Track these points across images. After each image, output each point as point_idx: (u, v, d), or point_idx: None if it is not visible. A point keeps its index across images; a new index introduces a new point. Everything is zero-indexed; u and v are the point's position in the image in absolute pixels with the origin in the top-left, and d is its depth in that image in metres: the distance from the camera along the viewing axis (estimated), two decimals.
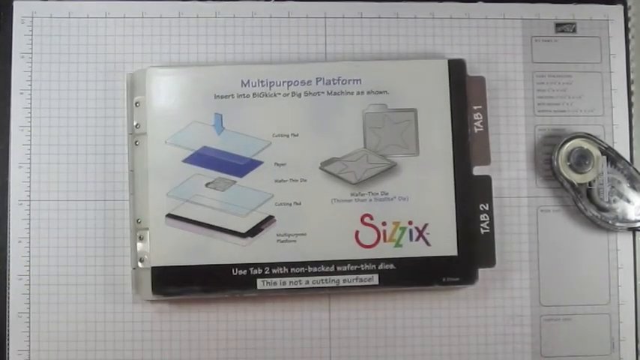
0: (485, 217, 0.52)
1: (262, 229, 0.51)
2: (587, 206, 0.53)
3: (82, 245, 0.52)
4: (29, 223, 0.52)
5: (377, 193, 0.51)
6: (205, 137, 0.51)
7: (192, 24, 0.54)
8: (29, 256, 0.52)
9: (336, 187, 0.51)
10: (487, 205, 0.52)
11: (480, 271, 0.52)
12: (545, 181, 0.54)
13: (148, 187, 0.50)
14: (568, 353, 0.54)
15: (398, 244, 0.51)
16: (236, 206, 0.51)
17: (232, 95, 0.51)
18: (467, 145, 0.52)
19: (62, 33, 0.53)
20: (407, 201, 0.51)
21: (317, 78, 0.52)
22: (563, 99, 0.55)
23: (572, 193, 0.53)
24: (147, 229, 0.51)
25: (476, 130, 0.53)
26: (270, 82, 0.52)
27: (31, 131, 0.52)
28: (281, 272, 0.50)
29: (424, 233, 0.51)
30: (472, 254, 0.51)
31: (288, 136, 0.51)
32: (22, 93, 0.53)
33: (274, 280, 0.50)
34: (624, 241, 0.54)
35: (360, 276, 0.51)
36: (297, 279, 0.50)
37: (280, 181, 0.51)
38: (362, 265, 0.51)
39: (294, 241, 0.51)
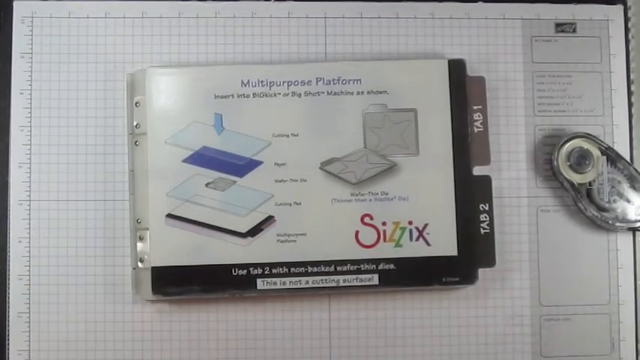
0: (485, 217, 0.52)
1: (262, 229, 0.51)
2: (587, 206, 0.53)
3: (82, 245, 0.52)
4: (29, 223, 0.52)
5: (377, 193, 0.51)
6: (205, 137, 0.51)
7: (192, 24, 0.54)
8: (29, 256, 0.52)
9: (336, 187, 0.51)
10: (487, 205, 0.52)
11: (480, 271, 0.52)
12: (545, 181, 0.54)
13: (148, 187, 0.50)
14: (568, 353, 0.54)
15: (398, 244, 0.51)
16: (236, 206, 0.51)
17: (232, 95, 0.51)
18: (467, 145, 0.52)
19: (62, 33, 0.53)
20: (407, 201, 0.51)
21: (317, 78, 0.52)
22: (563, 99, 0.55)
23: (572, 193, 0.53)
24: (147, 229, 0.51)
25: (476, 130, 0.53)
26: (270, 82, 0.52)
27: (31, 131, 0.52)
28: (281, 272, 0.50)
29: (424, 233, 0.51)
30: (472, 254, 0.51)
31: (288, 136, 0.51)
32: (22, 93, 0.53)
33: (274, 280, 0.50)
34: (624, 241, 0.54)
35: (360, 276, 0.51)
36: (297, 279, 0.50)
37: (280, 181, 0.51)
38: (362, 265, 0.51)
39: (294, 241, 0.51)
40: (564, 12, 0.56)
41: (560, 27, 0.55)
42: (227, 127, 0.51)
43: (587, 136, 0.53)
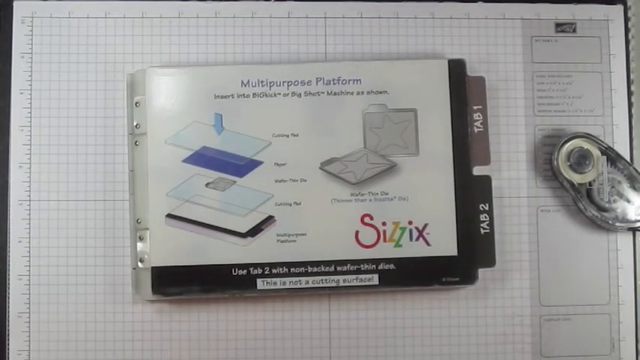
0: (486, 217, 0.52)
1: (262, 229, 0.51)
2: (587, 206, 0.53)
3: (82, 245, 0.52)
4: (29, 223, 0.52)
5: (377, 193, 0.51)
6: (205, 137, 0.51)
7: (192, 24, 0.54)
8: (29, 256, 0.52)
9: (336, 187, 0.51)
10: (487, 205, 0.52)
11: (480, 271, 0.52)
12: (545, 181, 0.54)
13: (148, 187, 0.50)
14: (568, 353, 0.54)
15: (398, 244, 0.51)
16: (236, 206, 0.51)
17: (232, 95, 0.51)
18: (467, 145, 0.52)
19: (62, 33, 0.53)
20: (407, 201, 0.51)
21: (317, 78, 0.52)
22: (563, 99, 0.55)
23: (572, 193, 0.53)
24: (147, 229, 0.51)
25: (476, 130, 0.53)
26: (270, 82, 0.52)
27: (31, 131, 0.52)
28: (281, 272, 0.50)
29: (424, 233, 0.51)
30: (472, 254, 0.51)
31: (288, 136, 0.51)
32: (22, 93, 0.53)
33: (274, 280, 0.50)
34: (624, 241, 0.54)
35: (360, 276, 0.51)
36: (297, 279, 0.50)
37: (280, 181, 0.51)
38: (362, 265, 0.51)
39: (294, 241, 0.51)
40: (564, 12, 0.56)
41: (560, 27, 0.55)
42: (227, 127, 0.51)
43: (587, 136, 0.53)
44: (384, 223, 0.51)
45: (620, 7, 0.56)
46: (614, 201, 0.53)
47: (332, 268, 0.51)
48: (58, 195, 0.52)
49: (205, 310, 0.52)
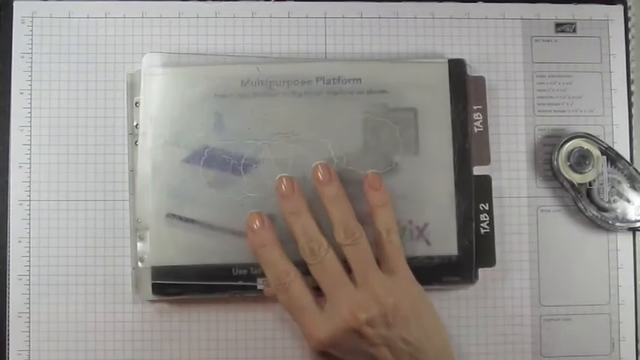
0: (486, 217, 0.52)
1: None
2: (587, 206, 0.53)
3: (82, 245, 0.52)
4: (29, 223, 0.52)
5: None
6: (205, 137, 0.51)
7: (192, 24, 0.54)
8: (29, 256, 0.52)
9: None
10: (487, 205, 0.53)
11: (480, 271, 0.52)
12: (545, 181, 0.54)
13: (148, 187, 0.50)
14: (568, 353, 0.54)
15: None
16: (236, 206, 0.50)
17: (232, 95, 0.51)
18: (467, 145, 0.52)
19: (62, 33, 0.53)
20: (407, 201, 0.51)
21: (317, 78, 0.52)
22: (563, 99, 0.55)
23: (572, 193, 0.53)
24: (147, 229, 0.50)
25: (476, 130, 0.53)
26: (270, 82, 0.52)
27: (31, 131, 0.52)
28: None
29: (424, 233, 0.51)
30: (472, 254, 0.51)
31: (288, 135, 0.51)
32: (22, 93, 0.53)
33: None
34: (624, 241, 0.54)
35: None
36: None
37: None
38: None
39: (295, 241, 0.50)
40: (564, 12, 0.56)
41: (560, 27, 0.55)
42: (227, 127, 0.51)
43: (587, 136, 0.53)
44: None
45: (620, 7, 0.56)
46: (614, 201, 0.53)
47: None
48: (58, 195, 0.52)
49: (205, 310, 0.52)
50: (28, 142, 0.52)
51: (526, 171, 0.54)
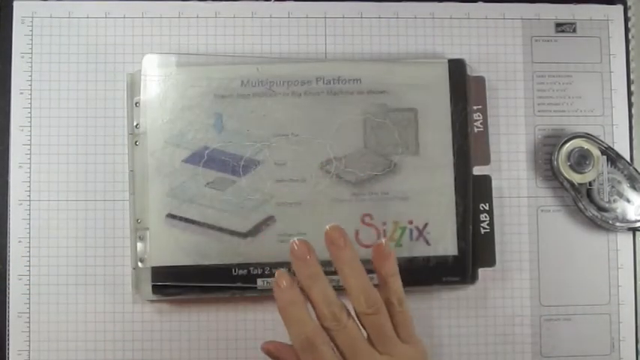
0: (486, 216, 0.52)
1: (262, 229, 0.51)
2: (587, 206, 0.53)
3: (82, 245, 0.52)
4: (29, 223, 0.52)
5: (377, 193, 0.51)
6: (205, 137, 0.51)
7: (192, 24, 0.54)
8: (29, 256, 0.52)
9: (336, 187, 0.51)
10: (487, 205, 0.53)
11: (480, 271, 0.52)
12: (545, 181, 0.54)
13: (148, 187, 0.50)
14: (568, 353, 0.54)
15: (398, 244, 0.51)
16: (236, 206, 0.51)
17: (232, 95, 0.51)
18: (467, 145, 0.52)
19: (62, 33, 0.53)
20: (407, 201, 0.51)
21: (317, 78, 0.52)
22: (563, 99, 0.55)
23: (572, 193, 0.53)
24: (147, 229, 0.51)
25: (476, 130, 0.53)
26: (270, 82, 0.52)
27: (31, 131, 0.52)
28: None
29: (424, 233, 0.51)
30: (472, 254, 0.51)
31: (288, 136, 0.51)
32: (22, 93, 0.53)
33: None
34: (624, 241, 0.54)
35: None
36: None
37: (280, 181, 0.51)
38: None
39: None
40: (564, 12, 0.56)
41: (560, 27, 0.55)
42: (227, 127, 0.51)
43: (587, 136, 0.53)
44: (384, 223, 0.51)
45: (620, 7, 0.56)
46: (614, 201, 0.53)
47: (332, 268, 0.50)
48: (58, 195, 0.52)
49: (205, 310, 0.52)
50: (28, 142, 0.52)
51: (526, 171, 0.54)
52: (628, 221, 0.53)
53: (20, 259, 0.52)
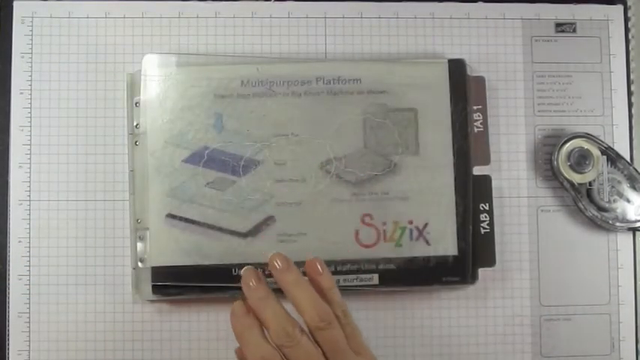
0: (486, 216, 0.52)
1: (262, 229, 0.51)
2: (587, 206, 0.53)
3: (82, 245, 0.52)
4: (29, 223, 0.52)
5: (377, 193, 0.51)
6: (205, 137, 0.51)
7: (192, 24, 0.54)
8: (29, 256, 0.52)
9: (336, 187, 0.51)
10: (487, 205, 0.53)
11: (480, 271, 0.52)
12: (545, 181, 0.54)
13: (148, 187, 0.50)
14: (568, 353, 0.54)
15: (398, 244, 0.51)
16: (236, 206, 0.51)
17: (232, 95, 0.51)
18: (467, 145, 0.52)
19: (62, 33, 0.53)
20: (407, 201, 0.51)
21: (317, 78, 0.52)
22: (563, 99, 0.55)
23: (572, 193, 0.53)
24: (147, 229, 0.51)
25: (476, 130, 0.53)
26: (270, 82, 0.52)
27: (31, 131, 0.52)
28: None
29: (424, 233, 0.51)
30: (472, 254, 0.51)
31: (288, 136, 0.51)
32: (22, 93, 0.53)
33: (274, 280, 0.50)
34: (624, 241, 0.54)
35: (361, 276, 0.51)
36: None
37: (280, 181, 0.51)
38: (362, 265, 0.51)
39: (295, 241, 0.50)
40: (564, 12, 0.56)
41: (560, 27, 0.55)
42: (227, 127, 0.51)
43: (587, 136, 0.53)
44: (384, 223, 0.51)
45: (620, 7, 0.56)
46: (614, 201, 0.53)
47: (332, 268, 0.51)
48: (58, 195, 0.52)
49: (205, 310, 0.52)
50: (28, 142, 0.52)
51: (526, 171, 0.54)
52: (628, 221, 0.53)
53: (20, 259, 0.52)
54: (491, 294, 0.54)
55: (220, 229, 0.50)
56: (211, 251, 0.50)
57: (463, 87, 0.52)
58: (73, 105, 0.53)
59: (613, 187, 0.53)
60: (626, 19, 0.56)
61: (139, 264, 0.51)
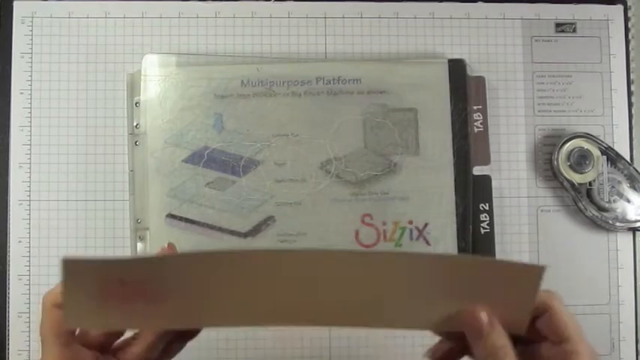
0: (486, 216, 0.52)
1: (262, 229, 0.51)
2: (587, 206, 0.53)
3: (82, 245, 0.52)
4: (29, 223, 0.52)
5: (377, 193, 0.51)
6: (205, 137, 0.51)
7: (192, 24, 0.54)
8: (29, 256, 0.52)
9: (336, 187, 0.51)
10: (487, 204, 0.53)
11: None
12: (545, 181, 0.54)
13: (148, 187, 0.51)
14: None
15: (398, 244, 0.51)
16: (236, 206, 0.51)
17: (232, 95, 0.51)
18: (467, 145, 0.52)
19: (62, 33, 0.53)
20: (407, 201, 0.51)
21: (317, 78, 0.52)
22: (563, 99, 0.55)
23: (572, 193, 0.53)
24: (147, 229, 0.51)
25: (476, 130, 0.53)
26: (270, 82, 0.52)
27: (31, 131, 0.52)
28: None
29: (424, 233, 0.51)
30: (472, 254, 0.51)
31: (288, 136, 0.51)
32: (22, 93, 0.53)
33: None
34: (624, 241, 0.54)
35: None
36: None
37: (280, 181, 0.51)
38: None
39: (295, 241, 0.50)
40: (564, 12, 0.56)
41: (560, 27, 0.55)
42: (227, 127, 0.51)
43: (587, 136, 0.53)
44: (384, 223, 0.51)
45: (620, 7, 0.56)
46: (614, 201, 0.53)
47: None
48: (58, 195, 0.52)
49: None
50: (28, 142, 0.52)
51: (526, 171, 0.54)
52: (628, 221, 0.53)
53: (20, 259, 0.52)
54: None
55: (220, 229, 0.50)
56: None
57: (463, 87, 0.52)
58: (73, 105, 0.53)
59: (613, 187, 0.53)
60: (626, 19, 0.56)
61: None
